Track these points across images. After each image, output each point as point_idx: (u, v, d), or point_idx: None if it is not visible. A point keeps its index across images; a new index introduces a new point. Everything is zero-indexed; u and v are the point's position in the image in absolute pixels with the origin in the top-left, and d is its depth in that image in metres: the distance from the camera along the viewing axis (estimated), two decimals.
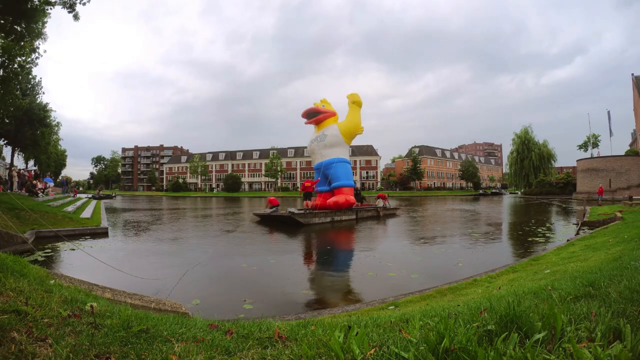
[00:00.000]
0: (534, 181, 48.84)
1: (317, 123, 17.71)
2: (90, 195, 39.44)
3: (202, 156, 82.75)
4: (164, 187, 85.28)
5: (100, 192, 53.97)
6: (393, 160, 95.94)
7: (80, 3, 11.05)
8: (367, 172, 71.84)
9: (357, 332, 1.45)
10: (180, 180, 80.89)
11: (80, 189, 63.77)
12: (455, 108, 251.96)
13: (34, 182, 18.17)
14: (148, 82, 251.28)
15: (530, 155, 49.53)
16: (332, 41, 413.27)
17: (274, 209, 16.38)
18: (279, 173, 69.27)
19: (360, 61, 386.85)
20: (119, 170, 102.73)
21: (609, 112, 39.73)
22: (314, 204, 16.57)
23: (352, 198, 16.95)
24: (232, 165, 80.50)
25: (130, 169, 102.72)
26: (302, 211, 15.41)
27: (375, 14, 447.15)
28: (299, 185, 65.16)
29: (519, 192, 55.91)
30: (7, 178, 17.69)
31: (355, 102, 18.01)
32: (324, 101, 18.19)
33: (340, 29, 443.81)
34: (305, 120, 17.97)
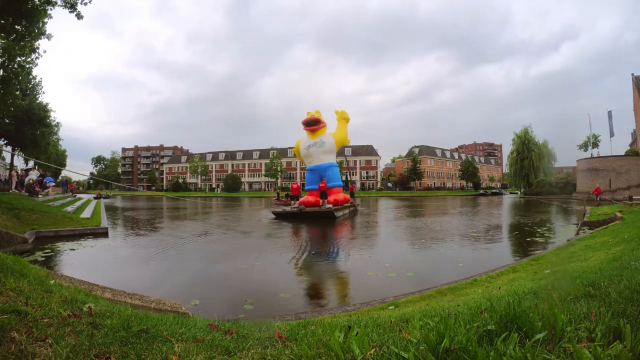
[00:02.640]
0: (534, 181, 48.82)
1: (313, 131, 20.61)
2: (93, 196, 39.51)
3: (202, 156, 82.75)
4: (164, 187, 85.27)
5: (101, 193, 54.08)
6: (393, 160, 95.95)
7: (81, 3, 11.06)
8: (367, 172, 71.84)
9: (357, 332, 1.45)
10: (180, 180, 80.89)
11: (80, 189, 63.65)
12: (442, 104, 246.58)
13: (30, 181, 18.09)
14: (120, 84, 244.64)
15: (530, 155, 49.48)
16: (294, 34, 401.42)
17: (299, 207, 17.92)
18: (279, 173, 69.28)
19: (332, 55, 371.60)
20: (119, 170, 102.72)
21: (609, 112, 39.77)
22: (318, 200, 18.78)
23: (347, 195, 20.85)
24: (232, 165, 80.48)
25: (130, 169, 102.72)
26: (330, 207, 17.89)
27: (338, 3, 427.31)
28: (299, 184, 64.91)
29: (519, 192, 55.88)
30: (7, 178, 17.66)
31: (345, 119, 21.69)
32: (317, 112, 21.29)
33: (298, 22, 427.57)
34: (304, 126, 20.85)
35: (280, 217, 17.33)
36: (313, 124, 20.42)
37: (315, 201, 18.56)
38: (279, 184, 71.10)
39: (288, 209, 18.77)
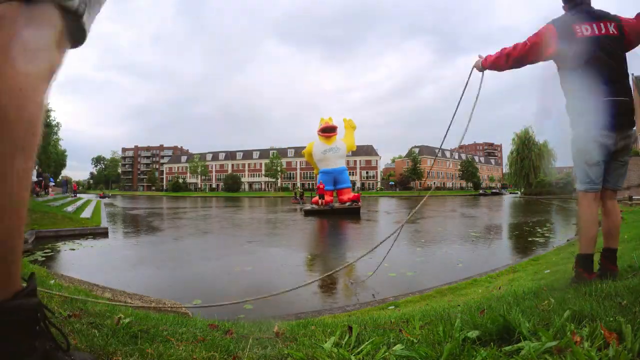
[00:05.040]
0: (534, 181, 48.83)
1: (329, 137, 23.34)
2: (96, 196, 39.77)
3: (202, 156, 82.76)
4: (164, 187, 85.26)
5: (104, 193, 54.74)
6: (393, 160, 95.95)
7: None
8: (367, 172, 71.87)
9: (358, 332, 1.45)
10: (180, 180, 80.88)
11: (80, 189, 63.81)
12: (424, 100, 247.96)
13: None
14: (96, 87, 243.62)
15: (530, 155, 49.50)
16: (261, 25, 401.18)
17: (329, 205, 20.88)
18: (279, 173, 69.27)
19: (308, 49, 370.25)
20: (119, 170, 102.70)
21: None
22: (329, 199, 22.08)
23: (357, 194, 23.18)
24: (232, 165, 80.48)
25: (130, 169, 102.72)
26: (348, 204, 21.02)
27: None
28: (299, 185, 65.29)
29: (519, 192, 55.88)
30: None
31: (352, 127, 24.80)
32: (330, 119, 24.00)
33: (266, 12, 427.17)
34: (322, 132, 23.43)
35: (309, 214, 19.79)
36: (331, 131, 23.38)
37: (330, 200, 22.17)
38: (278, 184, 71.14)
39: (316, 207, 21.32)
